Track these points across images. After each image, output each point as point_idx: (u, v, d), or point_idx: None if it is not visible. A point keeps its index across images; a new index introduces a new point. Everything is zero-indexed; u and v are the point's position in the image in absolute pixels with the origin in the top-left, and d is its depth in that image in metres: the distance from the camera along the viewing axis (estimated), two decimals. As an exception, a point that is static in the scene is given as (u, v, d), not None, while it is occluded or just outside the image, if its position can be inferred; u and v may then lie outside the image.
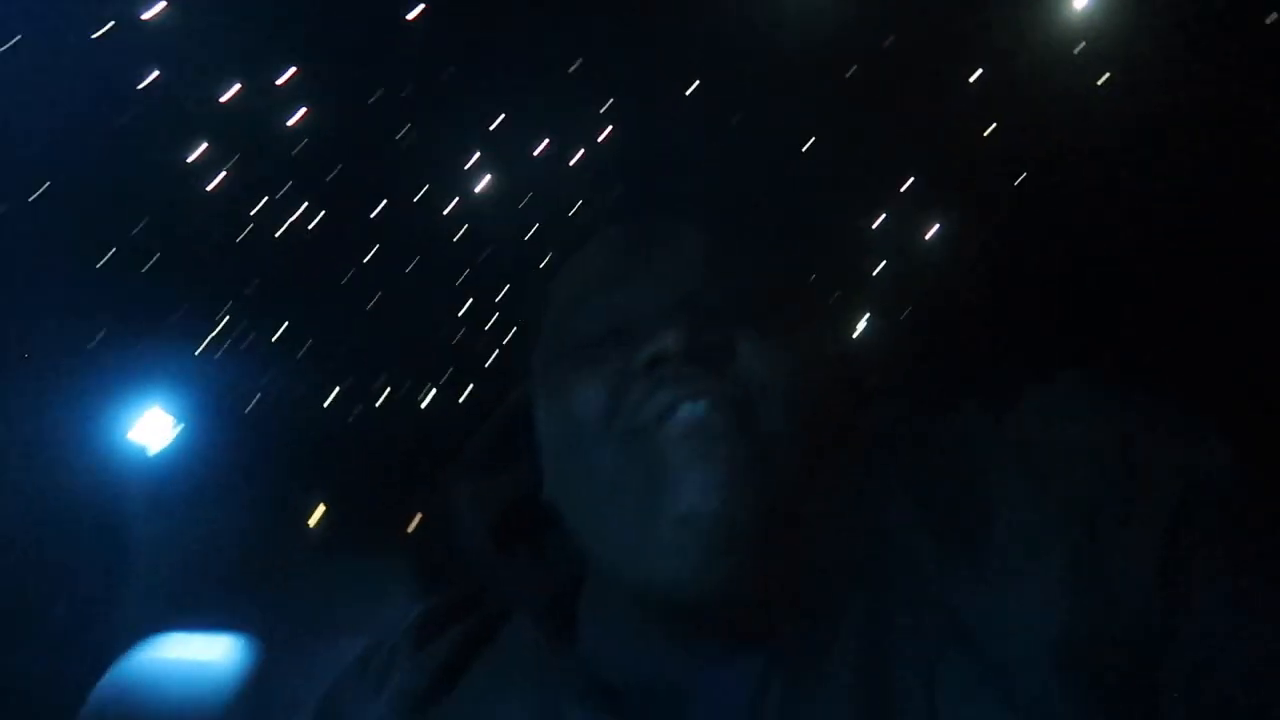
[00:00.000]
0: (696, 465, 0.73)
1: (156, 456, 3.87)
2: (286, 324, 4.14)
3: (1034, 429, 0.82)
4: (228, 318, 3.93)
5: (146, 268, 3.43)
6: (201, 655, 2.31)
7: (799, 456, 0.76)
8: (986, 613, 0.72)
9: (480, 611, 0.95)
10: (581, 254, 0.92)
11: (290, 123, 3.26)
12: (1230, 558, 0.69)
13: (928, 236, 3.96)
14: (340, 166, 3.43)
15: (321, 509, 5.44)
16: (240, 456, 4.26)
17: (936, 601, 0.75)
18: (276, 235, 3.51)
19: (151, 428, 3.84)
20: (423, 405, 5.18)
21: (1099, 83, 3.32)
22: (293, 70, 3.24)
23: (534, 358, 0.91)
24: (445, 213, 3.63)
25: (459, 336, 4.55)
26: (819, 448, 0.79)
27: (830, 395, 0.85)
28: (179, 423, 3.84)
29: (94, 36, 2.88)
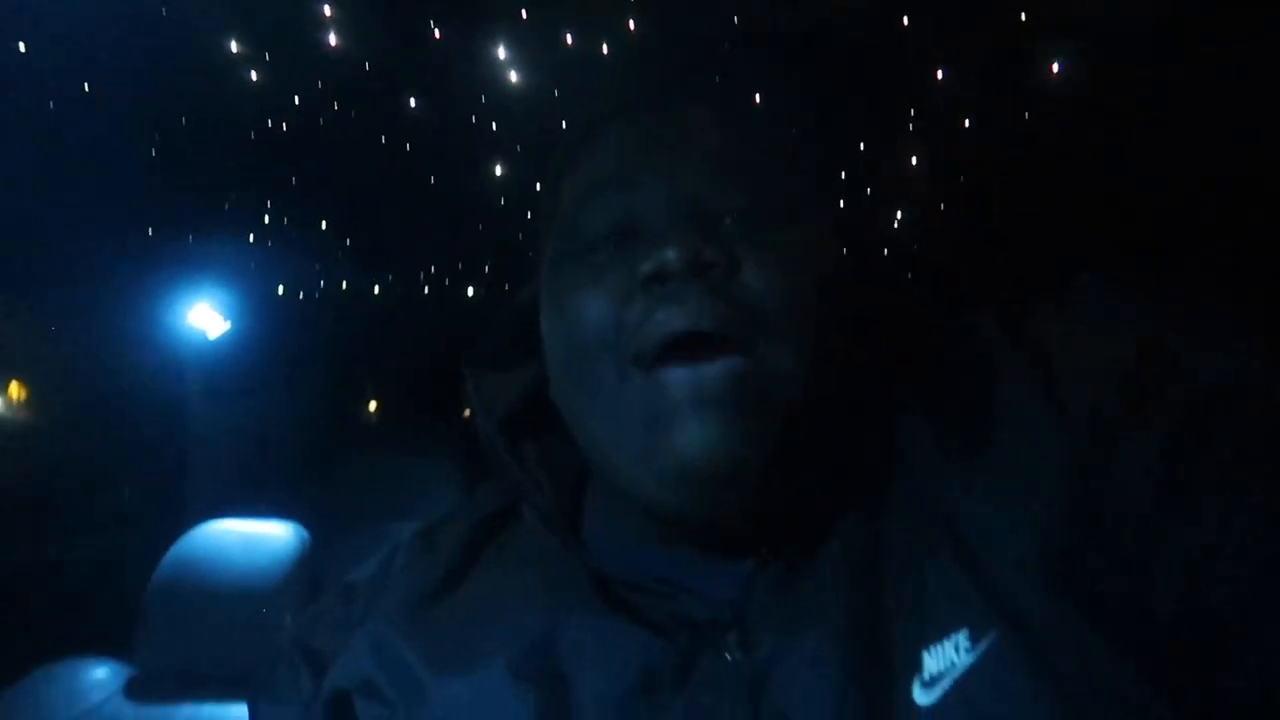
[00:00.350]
0: (697, 420, 0.73)
1: (213, 344, 3.96)
2: (329, 219, 4.18)
3: (1050, 335, 0.81)
4: (271, 213, 3.98)
5: (191, 165, 3.47)
6: (258, 534, 2.41)
7: (803, 377, 0.76)
8: (981, 518, 0.73)
9: (491, 506, 0.97)
10: (590, 149, 0.89)
11: (323, 16, 3.21)
12: (1238, 470, 0.68)
13: (956, 138, 3.75)
14: (375, 62, 3.38)
15: (375, 401, 5.60)
16: (291, 347, 4.37)
17: (933, 505, 0.76)
18: (315, 131, 3.50)
19: (206, 317, 3.94)
20: (470, 297, 5.21)
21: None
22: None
23: (543, 255, 0.89)
24: (481, 105, 3.57)
25: (502, 229, 4.53)
26: (827, 361, 0.78)
27: (843, 305, 0.83)
28: (230, 315, 3.93)
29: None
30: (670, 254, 0.74)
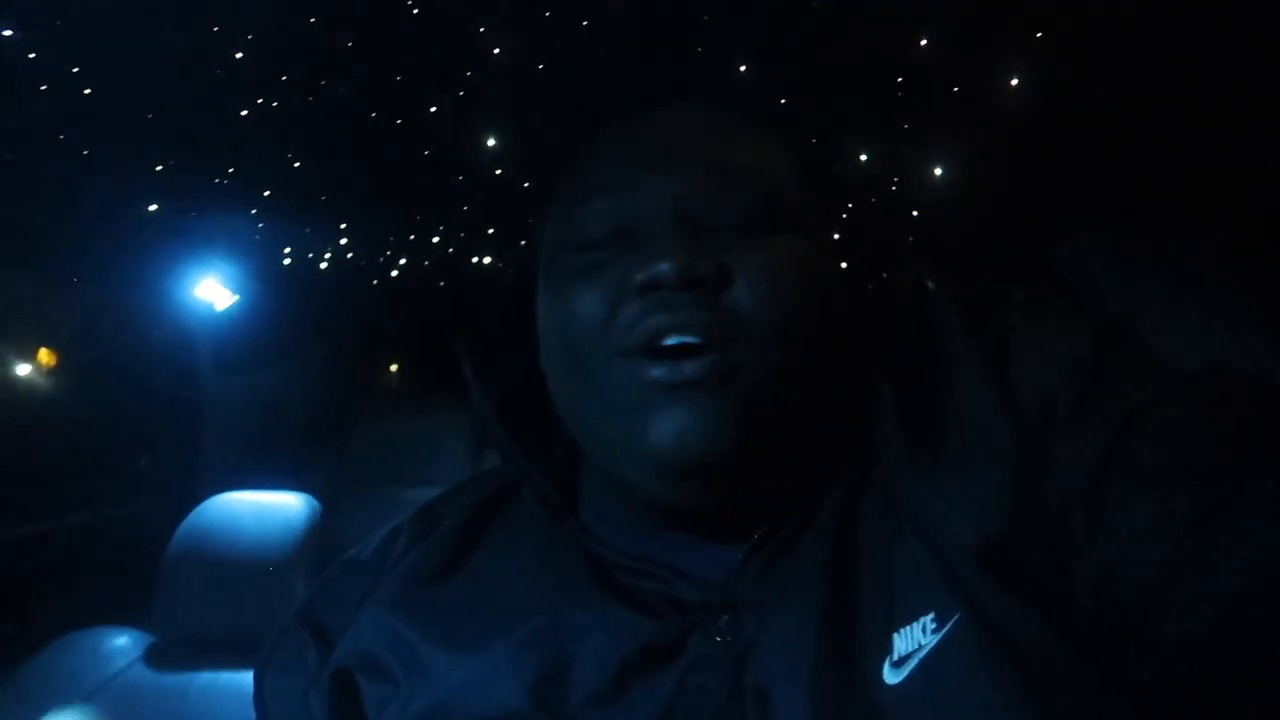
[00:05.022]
0: (674, 410, 0.74)
1: (222, 316, 3.94)
2: (330, 194, 4.13)
3: (1010, 325, 0.81)
4: (273, 191, 3.93)
5: (188, 148, 3.43)
6: (270, 505, 2.41)
7: (783, 376, 0.76)
8: (935, 506, 0.74)
9: (490, 486, 0.96)
10: (589, 147, 0.89)
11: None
12: (1163, 478, 0.67)
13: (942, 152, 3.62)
14: (360, 37, 3.31)
15: (395, 367, 5.59)
16: (299, 318, 4.35)
17: (900, 495, 0.77)
18: (311, 109, 3.45)
19: (214, 291, 3.90)
20: (477, 265, 5.17)
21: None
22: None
23: (542, 246, 0.89)
24: (474, 83, 3.50)
25: (504, 201, 4.47)
26: (810, 362, 0.78)
27: (831, 307, 0.83)
28: (236, 288, 3.90)
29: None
30: (665, 266, 0.75)
